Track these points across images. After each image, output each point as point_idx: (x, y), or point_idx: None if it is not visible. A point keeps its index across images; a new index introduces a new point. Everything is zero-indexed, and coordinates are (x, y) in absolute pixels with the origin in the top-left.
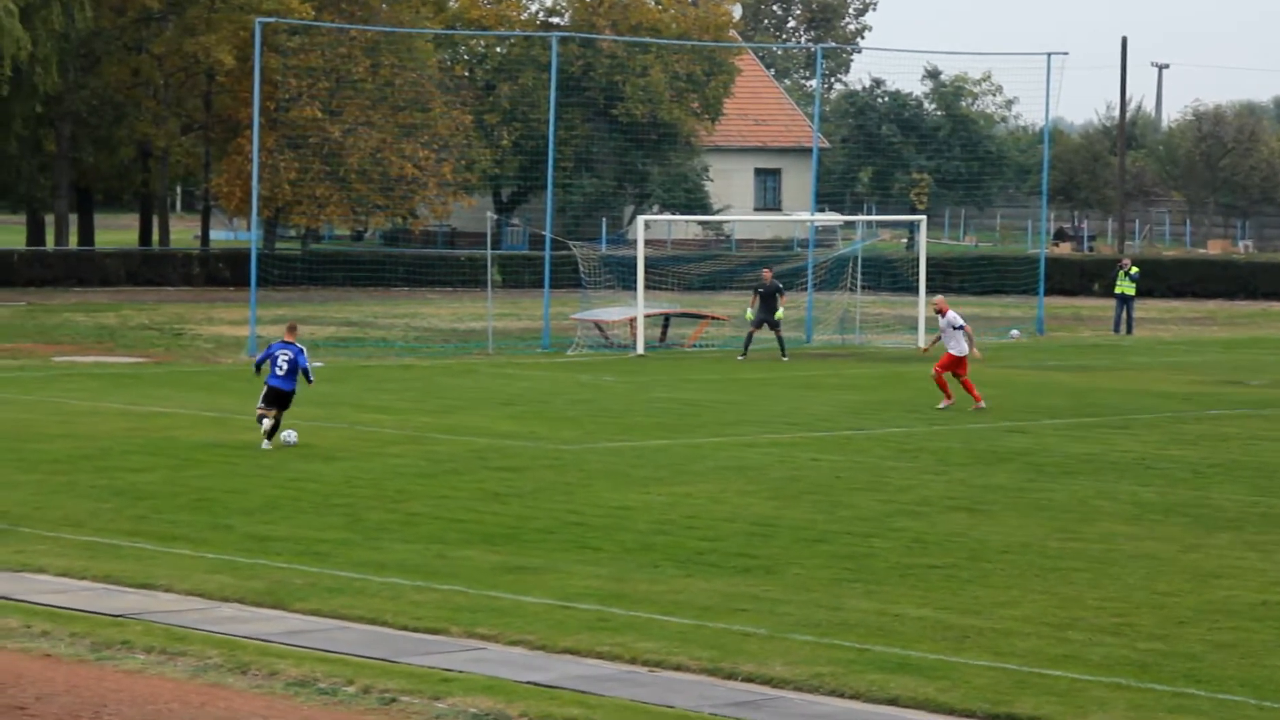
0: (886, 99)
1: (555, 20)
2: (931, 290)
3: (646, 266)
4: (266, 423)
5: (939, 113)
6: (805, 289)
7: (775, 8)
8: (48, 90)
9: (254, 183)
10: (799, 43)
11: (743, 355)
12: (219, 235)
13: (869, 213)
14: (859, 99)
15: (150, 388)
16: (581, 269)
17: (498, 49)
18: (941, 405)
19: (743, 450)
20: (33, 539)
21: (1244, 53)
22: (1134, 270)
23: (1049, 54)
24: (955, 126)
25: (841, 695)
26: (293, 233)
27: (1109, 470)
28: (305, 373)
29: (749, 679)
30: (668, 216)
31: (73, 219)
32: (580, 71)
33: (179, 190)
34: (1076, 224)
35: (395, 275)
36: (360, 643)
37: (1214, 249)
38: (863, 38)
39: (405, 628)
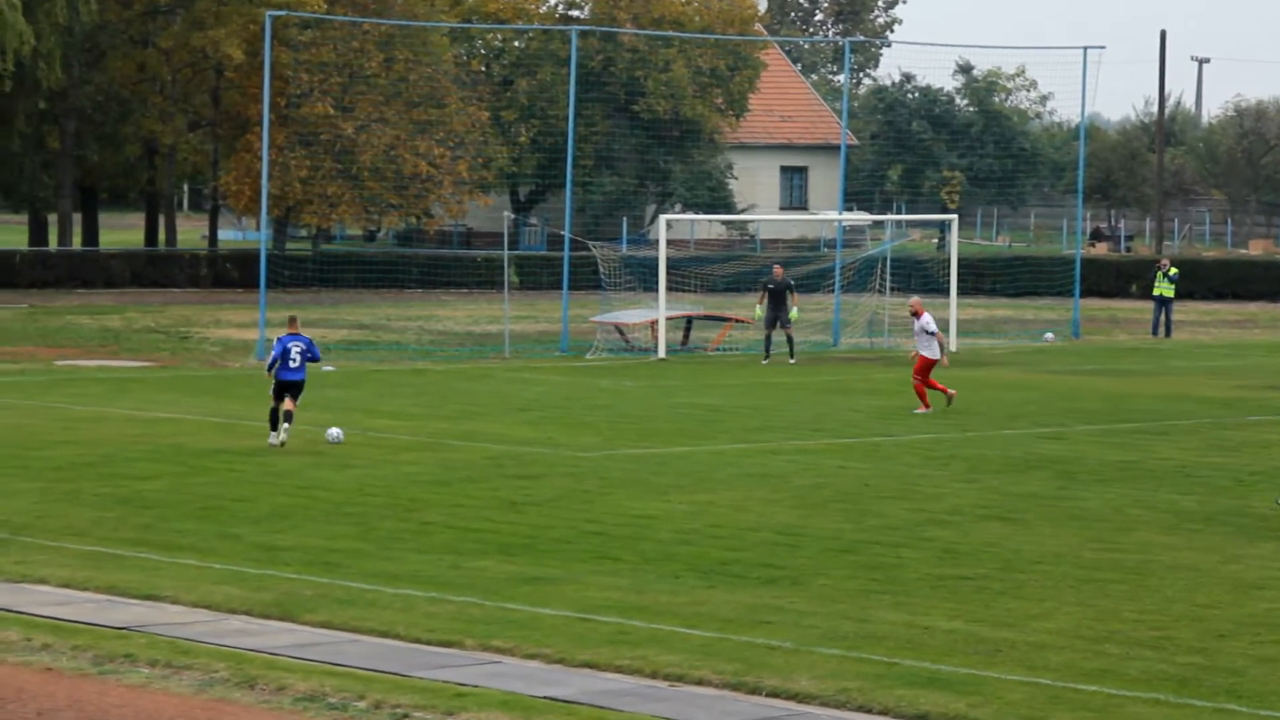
0: (917, 94)
1: (575, 13)
2: (964, 292)
3: (668, 267)
4: (278, 409)
5: (971, 108)
6: (832, 290)
7: (802, 0)
8: (51, 86)
9: (263, 181)
10: (826, 36)
11: (765, 359)
12: (227, 235)
13: (898, 212)
14: (888, 94)
15: (156, 392)
16: (601, 270)
17: (515, 43)
18: (917, 410)
19: (767, 457)
20: (34, 549)
21: None
22: (1173, 271)
23: (1085, 48)
24: (988, 123)
25: (869, 711)
26: (303, 233)
27: (1146, 478)
28: (316, 357)
29: (773, 694)
30: (690, 216)
31: (76, 218)
32: (600, 66)
33: (186, 189)
34: (1113, 224)
35: (409, 277)
36: (372, 656)
37: (1255, 249)
38: (892, 31)
39: (418, 640)
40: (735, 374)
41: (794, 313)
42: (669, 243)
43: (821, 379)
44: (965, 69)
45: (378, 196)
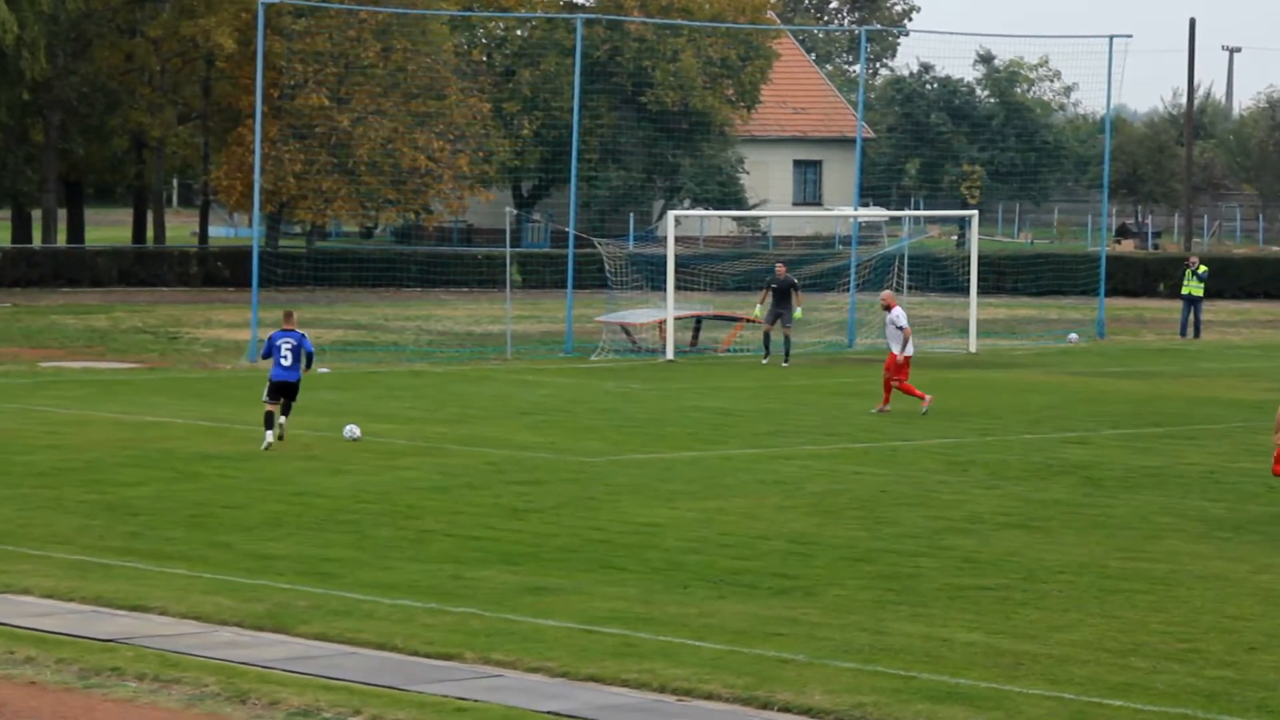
0: (935, 85)
1: (580, 1)
2: (984, 291)
3: (677, 265)
4: (273, 412)
5: (992, 100)
6: (847, 289)
7: None
8: (35, 76)
9: (256, 176)
10: (841, 25)
11: (765, 358)
12: (218, 232)
13: (916, 208)
14: (906, 85)
15: (144, 395)
16: (607, 268)
17: (518, 32)
18: (923, 408)
19: (780, 463)
20: (17, 558)
21: None
22: (1202, 269)
23: (1111, 36)
24: (1009, 115)
25: None
26: (297, 229)
27: (1175, 484)
28: (309, 357)
29: (785, 709)
30: (700, 212)
31: (61, 214)
32: (607, 56)
33: (175, 184)
34: (1140, 219)
35: (407, 275)
36: (368, 669)
37: None
38: (910, 19)
39: (416, 653)
40: (746, 376)
41: (798, 313)
42: (677, 240)
43: (836, 381)
44: (986, 59)
45: (375, 192)
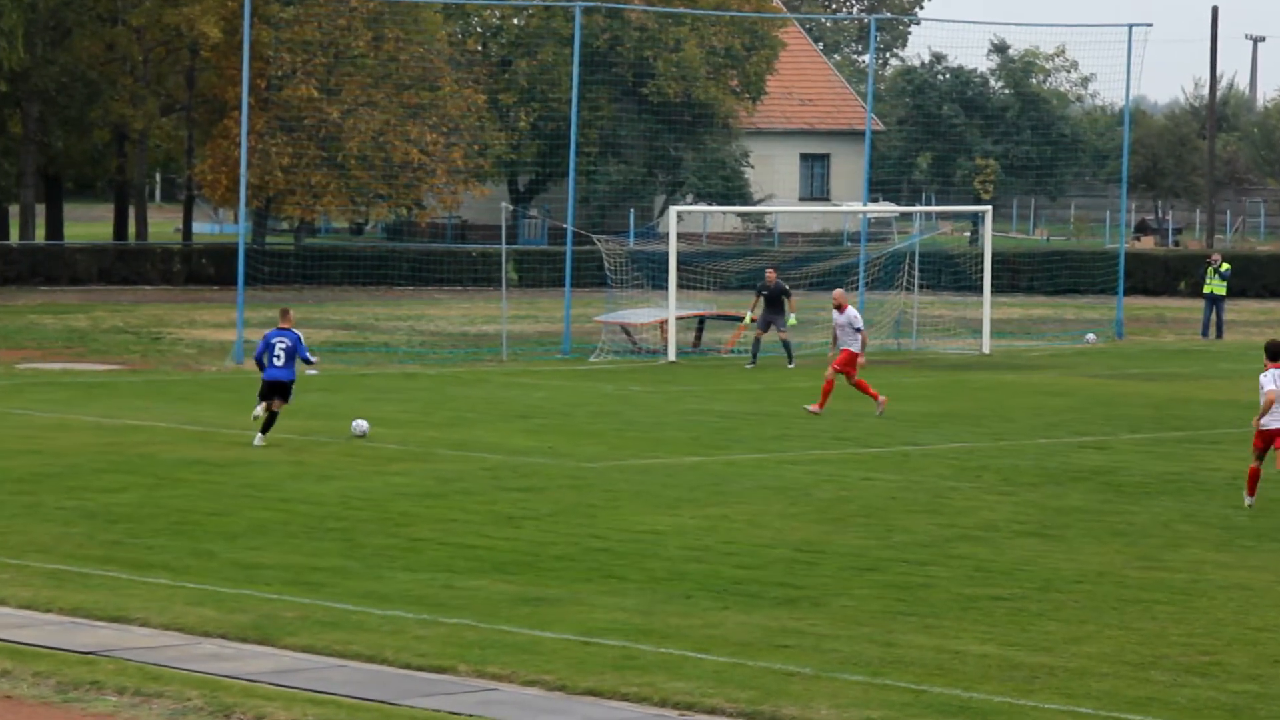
0: (948, 76)
1: None
2: (998, 290)
3: (679, 263)
4: (260, 411)
5: (1006, 91)
6: (856, 288)
7: None
8: (12, 66)
9: (242, 170)
10: (850, 13)
11: (751, 363)
12: (203, 228)
13: (928, 203)
14: (917, 76)
15: (125, 398)
16: (607, 266)
17: (514, 20)
18: (878, 411)
19: (785, 468)
20: None
21: None
22: (1225, 267)
23: (1130, 25)
24: (1025, 106)
25: None
26: (285, 225)
27: (1196, 491)
28: (304, 358)
29: None
30: (703, 207)
31: (39, 210)
32: (606, 45)
33: (158, 178)
34: (1160, 215)
35: (399, 273)
36: (357, 683)
37: None
38: (921, 8)
39: (408, 666)
40: (750, 378)
41: (791, 319)
42: (680, 236)
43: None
44: (1000, 48)
45: (365, 186)
